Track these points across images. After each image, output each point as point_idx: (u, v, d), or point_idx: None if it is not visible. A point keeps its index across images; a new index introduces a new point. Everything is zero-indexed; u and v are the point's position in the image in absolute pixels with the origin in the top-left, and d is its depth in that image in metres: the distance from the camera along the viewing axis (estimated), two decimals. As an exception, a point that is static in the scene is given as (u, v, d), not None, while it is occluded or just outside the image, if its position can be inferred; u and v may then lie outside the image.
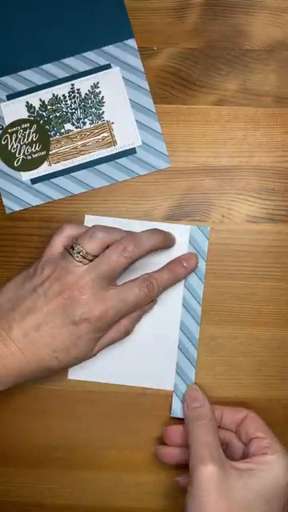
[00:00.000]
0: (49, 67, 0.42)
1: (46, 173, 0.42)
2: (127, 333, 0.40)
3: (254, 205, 0.43)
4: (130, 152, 0.42)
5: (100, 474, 0.42)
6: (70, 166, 0.42)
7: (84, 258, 0.37)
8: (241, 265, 0.42)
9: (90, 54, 0.42)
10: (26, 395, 0.43)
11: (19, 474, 0.43)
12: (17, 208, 0.43)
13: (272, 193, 0.43)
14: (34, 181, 0.42)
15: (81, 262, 0.37)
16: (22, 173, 0.42)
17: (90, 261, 0.37)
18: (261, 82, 0.43)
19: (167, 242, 0.41)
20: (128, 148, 0.42)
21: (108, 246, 0.38)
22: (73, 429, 0.43)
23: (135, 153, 0.42)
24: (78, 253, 0.37)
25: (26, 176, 0.42)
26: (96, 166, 0.42)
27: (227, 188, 0.43)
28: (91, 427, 0.43)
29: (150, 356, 0.42)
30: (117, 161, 0.42)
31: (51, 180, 0.42)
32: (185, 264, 0.41)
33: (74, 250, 0.37)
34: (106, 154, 0.42)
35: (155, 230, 0.41)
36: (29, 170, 0.42)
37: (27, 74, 0.42)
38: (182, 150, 0.43)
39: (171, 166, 0.43)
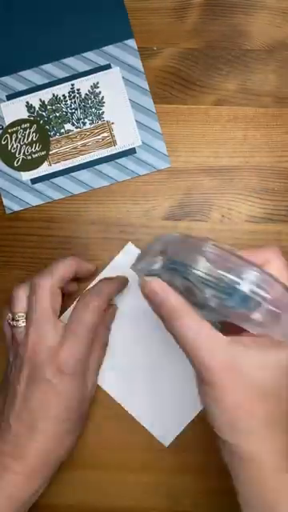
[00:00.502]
0: (49, 67, 0.42)
1: (46, 173, 0.42)
2: (106, 344, 0.41)
3: (253, 205, 0.43)
4: (130, 152, 0.42)
5: (100, 474, 0.42)
6: (70, 165, 0.42)
7: (19, 319, 0.37)
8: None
9: (89, 54, 0.42)
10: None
11: (19, 474, 0.43)
12: (17, 208, 0.43)
13: (272, 193, 0.43)
14: (34, 181, 0.42)
15: (21, 325, 0.37)
16: (22, 173, 0.42)
17: (24, 318, 0.38)
18: (261, 82, 0.43)
19: (80, 269, 0.40)
20: (128, 148, 0.42)
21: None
22: (73, 429, 0.43)
23: (135, 153, 0.42)
24: (15, 320, 0.37)
25: (26, 176, 0.42)
26: (96, 166, 0.42)
27: (227, 188, 0.43)
28: (91, 427, 0.43)
29: (169, 406, 0.42)
30: (117, 161, 0.42)
31: (51, 180, 0.42)
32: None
33: (11, 321, 0.38)
34: (105, 154, 0.42)
35: (61, 262, 0.39)
36: (29, 170, 0.42)
37: (27, 74, 0.42)
38: (182, 150, 0.43)
39: (171, 166, 0.43)
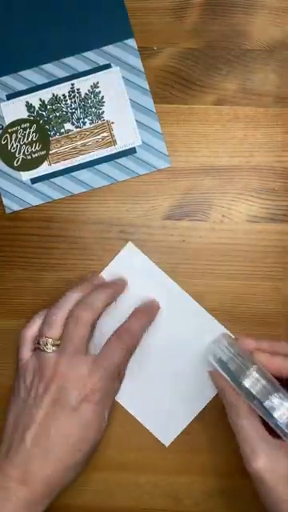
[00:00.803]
0: (49, 67, 0.42)
1: (46, 172, 0.42)
2: (122, 379, 0.41)
3: (254, 205, 0.43)
4: (130, 152, 0.42)
5: (100, 474, 0.42)
6: (70, 165, 0.42)
7: (53, 345, 0.38)
8: (241, 265, 0.42)
9: (89, 54, 0.42)
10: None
11: (19, 474, 0.43)
12: (17, 208, 0.43)
13: (272, 193, 0.43)
14: (34, 180, 0.42)
15: (51, 351, 0.38)
16: (21, 172, 0.42)
17: (58, 345, 0.38)
18: (261, 82, 0.43)
19: (117, 292, 0.41)
20: (128, 148, 0.42)
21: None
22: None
23: (135, 152, 0.42)
24: (45, 345, 0.38)
25: (26, 176, 0.42)
26: (96, 166, 0.42)
27: (227, 188, 0.43)
28: (91, 427, 0.43)
29: (169, 407, 0.42)
30: (117, 160, 0.42)
31: (51, 180, 0.42)
32: (149, 304, 0.41)
33: (40, 345, 0.38)
34: (105, 154, 0.42)
35: (103, 285, 0.41)
36: (29, 170, 0.42)
37: (27, 73, 0.42)
38: (182, 150, 0.43)
39: (171, 166, 0.43)
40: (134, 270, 0.42)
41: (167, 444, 0.42)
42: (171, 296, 0.42)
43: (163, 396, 0.42)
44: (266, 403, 0.33)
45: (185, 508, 0.42)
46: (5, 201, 0.43)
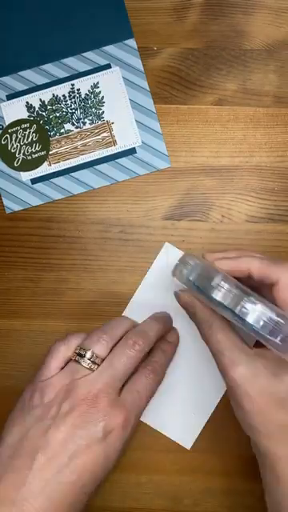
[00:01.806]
0: (49, 67, 0.42)
1: (46, 173, 0.42)
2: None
3: (253, 205, 0.43)
4: (130, 152, 0.42)
5: (100, 474, 0.42)
6: (70, 166, 0.42)
7: (94, 363, 0.34)
8: (241, 265, 0.42)
9: (90, 54, 0.42)
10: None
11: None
12: (17, 208, 0.43)
13: (272, 193, 0.43)
14: (34, 181, 0.42)
15: (90, 368, 0.34)
16: (21, 173, 0.42)
17: (99, 365, 0.34)
18: (261, 82, 0.43)
19: (168, 326, 0.41)
20: (128, 148, 0.42)
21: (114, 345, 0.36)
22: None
23: (135, 153, 0.42)
24: (90, 359, 0.34)
25: (26, 176, 0.42)
26: (96, 166, 0.42)
27: (227, 188, 0.43)
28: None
29: (185, 411, 0.42)
30: (117, 161, 0.42)
31: (51, 180, 0.42)
32: (170, 340, 0.40)
33: (83, 357, 0.34)
34: (105, 154, 0.42)
35: (155, 317, 0.40)
36: (29, 170, 0.42)
37: (27, 73, 0.42)
38: (182, 150, 0.43)
39: (171, 166, 0.43)
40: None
41: (189, 447, 0.42)
42: None
43: (178, 401, 0.42)
44: (238, 310, 0.30)
45: (185, 508, 0.42)
46: (5, 201, 0.43)
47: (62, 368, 0.35)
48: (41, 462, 0.30)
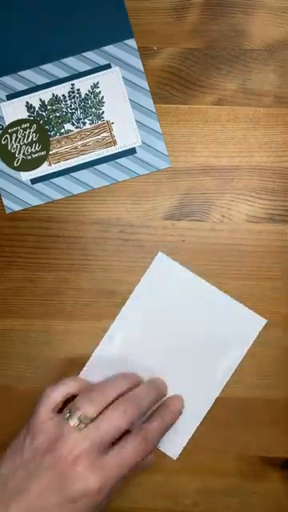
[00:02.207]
0: (49, 67, 0.42)
1: (46, 173, 0.42)
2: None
3: (253, 205, 0.43)
4: (130, 152, 0.42)
5: (100, 474, 0.42)
6: (70, 166, 0.42)
7: (82, 422, 0.34)
8: (241, 265, 0.42)
9: (90, 54, 0.42)
10: (26, 396, 0.43)
11: (19, 474, 0.43)
12: (17, 208, 0.43)
13: (272, 193, 0.43)
14: (34, 181, 0.42)
15: (77, 427, 0.34)
16: (21, 173, 0.42)
17: (86, 425, 0.34)
18: (261, 82, 0.43)
19: (163, 394, 0.40)
20: (128, 148, 0.42)
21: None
22: (73, 429, 0.43)
23: (135, 153, 0.42)
24: (78, 418, 0.34)
25: (26, 176, 0.42)
26: (96, 166, 0.42)
27: (227, 188, 0.43)
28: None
29: None
30: (117, 161, 0.42)
31: (51, 180, 0.42)
32: (172, 408, 0.39)
33: (71, 415, 0.35)
34: (105, 154, 0.42)
35: (152, 383, 0.39)
36: (29, 170, 0.42)
37: (27, 74, 0.42)
38: (182, 150, 0.43)
39: (171, 166, 0.43)
40: (170, 280, 0.42)
41: (176, 457, 0.42)
42: (211, 300, 0.42)
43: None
44: None
45: (185, 508, 0.42)
46: (5, 201, 0.43)
47: (56, 409, 0.36)
48: (14, 504, 0.32)
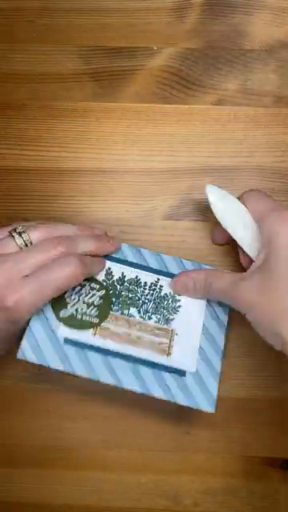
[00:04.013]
0: (146, 253, 0.41)
1: (86, 341, 0.37)
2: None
3: (254, 205, 0.43)
4: (180, 373, 0.37)
5: (100, 474, 0.42)
6: (114, 349, 0.37)
7: (24, 242, 0.36)
8: (241, 265, 0.42)
9: (188, 264, 0.41)
10: (25, 396, 0.43)
11: (19, 475, 0.43)
12: (30, 358, 0.36)
13: (272, 193, 0.43)
14: (68, 341, 0.37)
15: (17, 245, 0.36)
16: (61, 326, 0.37)
17: (26, 246, 0.36)
18: (261, 82, 0.43)
19: (102, 249, 0.39)
20: (179, 367, 0.38)
21: None
22: (72, 429, 0.43)
23: (184, 376, 0.37)
24: (20, 234, 0.36)
25: (64, 332, 0.37)
26: (139, 365, 0.37)
27: (227, 188, 0.43)
28: (91, 427, 0.43)
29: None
30: (162, 373, 0.37)
31: (86, 351, 0.37)
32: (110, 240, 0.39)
33: (15, 232, 0.36)
34: (154, 360, 0.37)
35: (92, 235, 0.39)
36: (70, 328, 0.37)
37: (124, 246, 0.41)
38: (182, 150, 0.43)
39: (171, 166, 0.43)
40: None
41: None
42: None
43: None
44: None
45: (185, 508, 0.42)
46: (23, 343, 0.36)
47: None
48: None
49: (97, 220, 0.43)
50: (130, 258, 0.40)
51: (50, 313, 0.37)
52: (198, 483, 0.42)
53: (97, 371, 0.36)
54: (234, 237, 0.37)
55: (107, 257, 0.40)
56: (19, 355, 0.36)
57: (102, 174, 0.43)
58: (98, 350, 0.37)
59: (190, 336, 0.39)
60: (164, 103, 0.43)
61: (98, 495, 0.42)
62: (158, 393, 0.36)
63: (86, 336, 0.37)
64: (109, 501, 0.42)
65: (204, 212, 0.43)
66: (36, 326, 0.37)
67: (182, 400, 0.36)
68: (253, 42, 0.43)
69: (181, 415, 0.42)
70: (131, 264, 0.40)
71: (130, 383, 0.36)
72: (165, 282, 0.40)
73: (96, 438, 0.42)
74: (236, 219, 0.37)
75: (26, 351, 0.36)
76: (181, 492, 0.42)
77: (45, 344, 0.36)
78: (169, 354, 0.38)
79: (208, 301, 0.40)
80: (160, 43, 0.43)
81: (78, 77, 0.43)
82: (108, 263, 0.40)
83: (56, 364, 0.36)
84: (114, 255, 0.40)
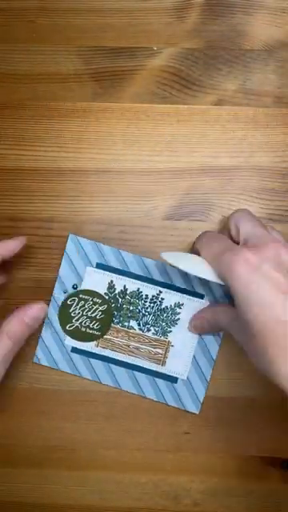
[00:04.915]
0: (149, 263, 0.42)
1: (90, 350, 0.42)
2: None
3: (253, 205, 0.43)
4: (172, 379, 0.42)
5: (100, 474, 0.42)
6: (114, 357, 0.42)
7: None
8: (241, 265, 0.42)
9: (193, 276, 0.41)
10: (25, 396, 0.43)
11: (19, 474, 0.43)
12: (44, 363, 0.42)
13: (272, 193, 0.43)
14: (75, 350, 0.42)
15: None
16: (68, 337, 0.42)
17: None
18: (261, 82, 0.43)
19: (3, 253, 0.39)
20: (172, 375, 0.42)
21: None
22: (72, 429, 0.43)
23: (175, 383, 0.42)
24: None
25: (70, 342, 0.42)
26: (135, 372, 0.42)
27: (227, 188, 0.43)
28: (91, 427, 0.43)
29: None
30: (155, 379, 0.42)
31: (90, 359, 0.42)
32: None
33: None
34: (150, 368, 0.42)
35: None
36: (75, 340, 0.42)
37: (127, 256, 0.42)
38: (182, 150, 0.43)
39: (171, 166, 0.43)
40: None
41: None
42: None
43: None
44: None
45: (185, 508, 0.42)
46: (38, 350, 0.42)
47: None
48: None
49: (96, 220, 0.43)
50: (133, 269, 0.42)
51: (58, 326, 0.42)
52: (197, 483, 0.42)
53: (99, 375, 0.42)
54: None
55: (110, 267, 0.41)
56: (35, 360, 0.42)
57: (102, 174, 0.43)
58: (101, 357, 0.42)
59: (186, 347, 0.42)
60: (164, 103, 0.43)
61: (98, 495, 0.42)
62: (150, 395, 0.42)
63: (90, 346, 0.42)
64: (109, 501, 0.42)
65: (204, 212, 0.43)
66: (47, 337, 0.42)
67: (171, 402, 0.42)
68: (253, 42, 0.43)
69: (181, 415, 0.42)
70: (134, 275, 0.42)
71: (128, 386, 0.42)
72: (166, 294, 0.42)
73: (96, 438, 0.42)
74: (201, 271, 0.36)
75: (40, 357, 0.42)
76: (180, 492, 0.42)
77: (55, 351, 0.42)
78: (163, 363, 0.41)
79: None
80: (160, 43, 0.43)
81: (77, 77, 0.43)
82: (111, 275, 0.41)
83: (65, 368, 0.42)
84: (117, 266, 0.42)
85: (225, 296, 0.42)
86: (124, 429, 0.42)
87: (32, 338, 0.40)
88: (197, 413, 0.42)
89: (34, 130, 0.43)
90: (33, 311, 0.38)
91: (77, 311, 0.42)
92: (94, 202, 0.43)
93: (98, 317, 0.42)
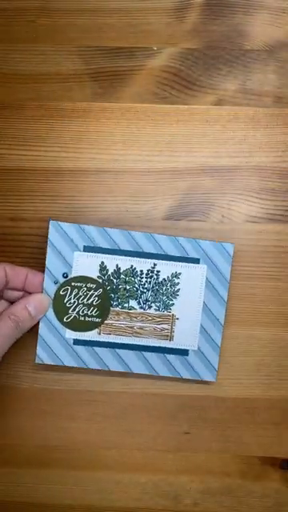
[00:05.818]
0: (138, 236, 0.40)
1: (93, 339, 0.40)
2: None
3: (253, 205, 0.43)
4: (183, 353, 0.40)
5: (100, 474, 0.42)
6: (119, 342, 0.40)
7: None
8: (241, 265, 0.42)
9: (183, 241, 0.40)
10: (25, 395, 0.43)
11: (19, 474, 0.43)
12: (48, 361, 0.40)
13: (272, 193, 0.43)
14: (77, 342, 0.40)
15: None
16: (67, 330, 0.40)
17: None
18: (261, 82, 0.43)
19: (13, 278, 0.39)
20: (182, 348, 0.40)
21: None
22: (72, 429, 0.43)
23: (187, 355, 0.40)
24: None
25: (71, 335, 0.40)
26: (144, 352, 0.40)
27: (227, 188, 0.43)
28: (91, 427, 0.43)
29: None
30: (166, 355, 0.40)
31: (94, 348, 0.40)
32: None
33: None
34: (158, 345, 0.40)
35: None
36: (76, 331, 0.40)
37: (114, 233, 0.39)
38: (182, 150, 0.43)
39: (171, 166, 0.43)
40: None
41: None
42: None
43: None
44: None
45: (185, 508, 0.42)
46: (39, 350, 0.40)
47: None
48: None
49: (96, 220, 0.43)
50: (123, 246, 0.39)
51: (55, 320, 0.39)
52: (197, 483, 0.42)
53: (107, 363, 0.40)
54: None
55: (99, 248, 0.39)
56: (37, 360, 0.40)
57: (102, 173, 0.43)
58: (105, 344, 0.40)
59: (191, 317, 0.40)
60: (164, 103, 0.43)
61: (98, 495, 0.42)
62: (163, 372, 0.40)
63: (92, 335, 0.40)
64: (109, 501, 0.42)
65: (204, 212, 0.43)
66: (45, 333, 0.40)
67: (185, 375, 0.40)
68: (253, 42, 0.43)
69: (180, 415, 0.42)
70: (125, 252, 0.39)
71: (139, 368, 0.40)
72: (162, 266, 0.40)
73: (96, 438, 0.42)
74: None
75: (42, 356, 0.40)
76: (180, 492, 0.42)
77: (57, 347, 0.40)
78: (171, 338, 0.40)
79: (207, 278, 0.40)
80: (160, 43, 0.43)
81: (77, 77, 0.43)
82: (101, 256, 0.39)
83: (70, 363, 0.40)
84: (106, 246, 0.39)
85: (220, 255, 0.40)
86: (124, 429, 0.42)
87: (32, 338, 0.40)
88: (214, 381, 0.40)
89: (34, 130, 0.43)
90: (35, 299, 0.38)
91: (72, 301, 0.39)
92: (93, 202, 0.43)
93: (94, 303, 0.39)
